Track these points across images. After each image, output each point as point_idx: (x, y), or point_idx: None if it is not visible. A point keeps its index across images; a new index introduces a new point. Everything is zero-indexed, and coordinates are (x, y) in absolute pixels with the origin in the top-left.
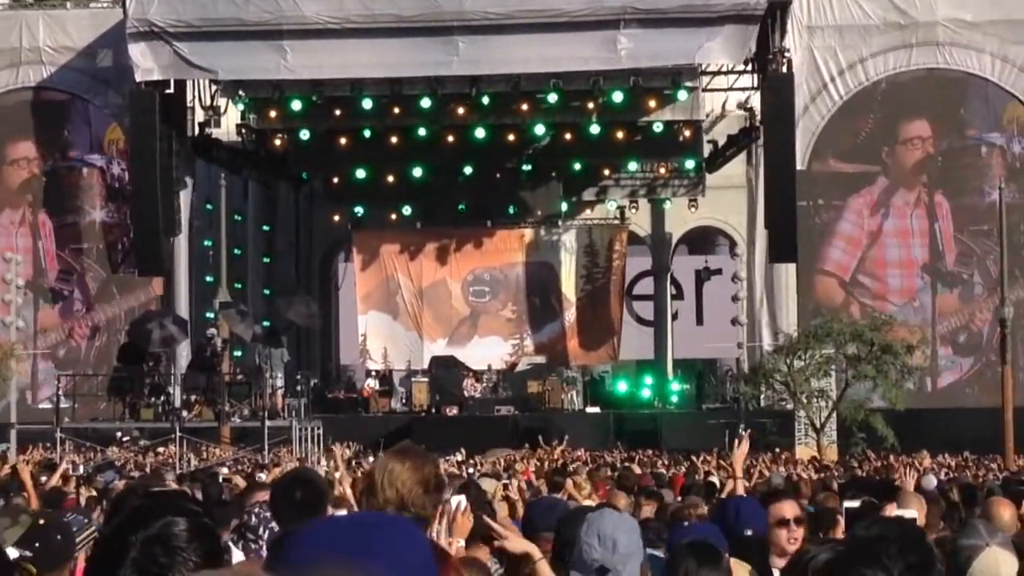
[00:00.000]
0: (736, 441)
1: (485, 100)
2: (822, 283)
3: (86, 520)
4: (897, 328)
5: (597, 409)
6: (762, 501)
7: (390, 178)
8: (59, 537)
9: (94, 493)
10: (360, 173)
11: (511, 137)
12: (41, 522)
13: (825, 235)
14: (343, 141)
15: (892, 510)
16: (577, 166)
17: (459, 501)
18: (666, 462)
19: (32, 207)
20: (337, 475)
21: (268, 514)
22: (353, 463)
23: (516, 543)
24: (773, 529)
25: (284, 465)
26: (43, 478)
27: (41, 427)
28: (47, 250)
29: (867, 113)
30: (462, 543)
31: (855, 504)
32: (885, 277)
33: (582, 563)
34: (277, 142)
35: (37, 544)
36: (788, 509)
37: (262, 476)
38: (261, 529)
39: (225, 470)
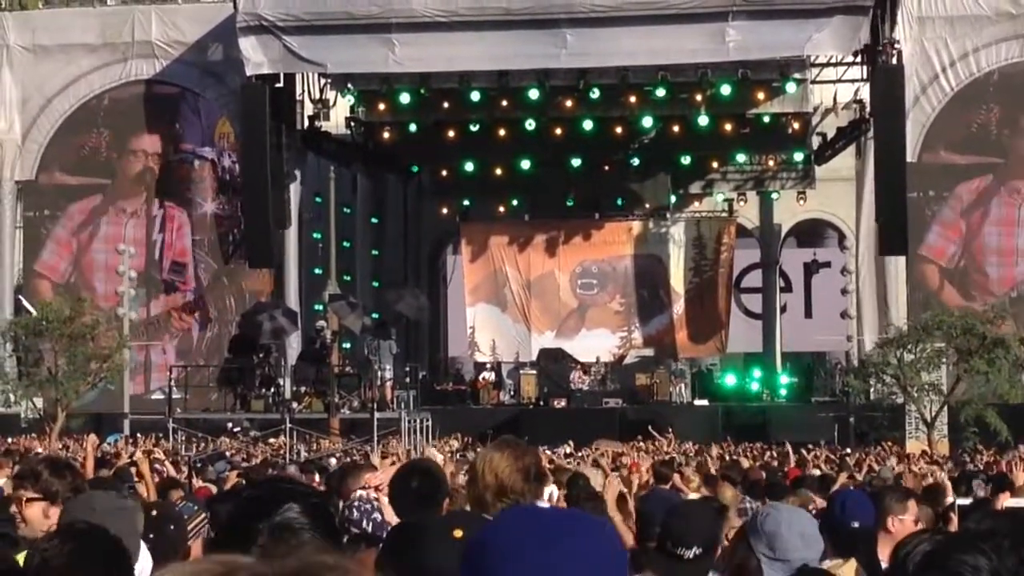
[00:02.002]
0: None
1: (593, 93)
2: (920, 270)
3: (195, 507)
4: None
5: (705, 402)
6: (872, 496)
7: (498, 171)
8: (172, 527)
9: (203, 484)
10: (468, 166)
11: (619, 130)
12: (154, 513)
13: (927, 222)
14: (451, 134)
15: (1004, 500)
16: (685, 159)
17: (551, 492)
18: (774, 455)
19: (146, 199)
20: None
21: (369, 506)
22: (458, 456)
23: (610, 498)
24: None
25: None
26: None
27: (153, 417)
28: (166, 241)
29: (980, 104)
30: None
31: (967, 501)
32: (984, 267)
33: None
34: (386, 135)
35: (151, 535)
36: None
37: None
38: (364, 522)
39: (333, 461)
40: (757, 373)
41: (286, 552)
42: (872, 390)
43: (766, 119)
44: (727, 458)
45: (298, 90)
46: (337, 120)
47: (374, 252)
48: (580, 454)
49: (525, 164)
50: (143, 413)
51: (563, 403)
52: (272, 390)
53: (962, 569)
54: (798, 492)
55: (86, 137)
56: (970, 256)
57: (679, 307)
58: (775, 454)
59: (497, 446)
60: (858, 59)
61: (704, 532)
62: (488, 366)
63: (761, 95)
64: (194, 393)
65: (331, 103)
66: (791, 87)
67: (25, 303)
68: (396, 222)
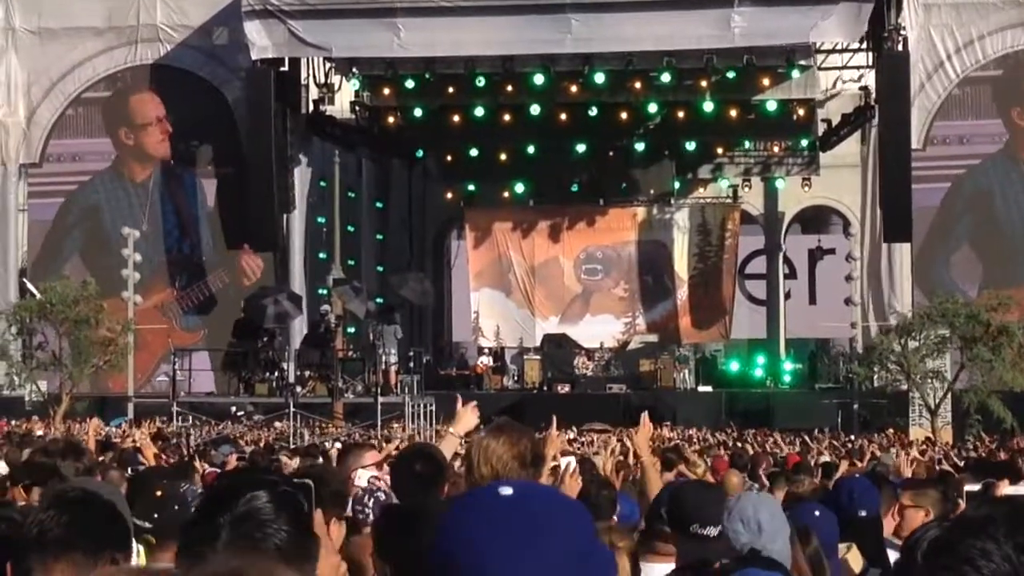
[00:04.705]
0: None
1: (598, 78)
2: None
3: (200, 490)
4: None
5: (709, 388)
6: (875, 483)
7: (503, 156)
8: (176, 508)
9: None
10: (473, 151)
11: (624, 115)
12: (158, 493)
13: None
14: (456, 119)
15: (1004, 487)
16: (690, 145)
17: (568, 462)
18: (778, 441)
19: (150, 182)
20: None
21: (373, 485)
22: (463, 441)
23: (642, 439)
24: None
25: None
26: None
27: (157, 401)
28: (170, 224)
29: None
30: None
31: (976, 487)
32: None
33: (731, 549)
34: (391, 119)
35: (156, 515)
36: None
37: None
38: (367, 498)
39: (338, 445)
40: (761, 359)
41: (205, 560)
42: (876, 377)
43: (771, 105)
44: (731, 444)
45: (303, 74)
46: (342, 104)
47: (379, 237)
48: (582, 439)
49: (530, 149)
50: (147, 397)
51: (567, 389)
52: (276, 374)
53: (971, 554)
54: (799, 478)
55: (91, 120)
56: None
57: (683, 293)
58: (777, 441)
59: (492, 432)
60: (864, 46)
61: (721, 510)
62: (486, 351)
63: (766, 81)
64: (198, 377)
65: (336, 87)
66: (796, 73)
67: (30, 286)
68: (401, 207)
